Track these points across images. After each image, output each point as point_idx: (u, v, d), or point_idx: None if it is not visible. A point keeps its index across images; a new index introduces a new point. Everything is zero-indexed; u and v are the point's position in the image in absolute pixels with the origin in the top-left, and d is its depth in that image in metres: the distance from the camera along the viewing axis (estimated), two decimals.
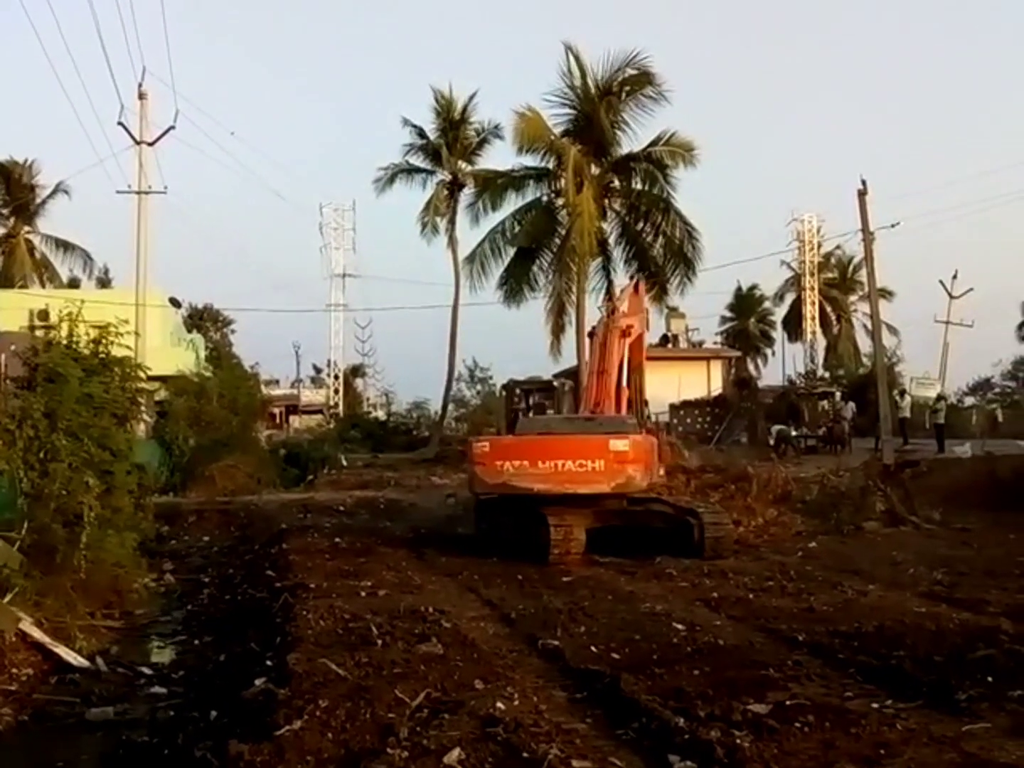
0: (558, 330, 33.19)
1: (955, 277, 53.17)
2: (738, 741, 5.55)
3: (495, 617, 9.96)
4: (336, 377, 64.03)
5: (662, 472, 16.06)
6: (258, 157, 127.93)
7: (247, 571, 14.79)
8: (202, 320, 65.35)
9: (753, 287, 65.93)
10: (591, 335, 17.98)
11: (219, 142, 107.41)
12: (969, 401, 58.62)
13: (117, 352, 14.16)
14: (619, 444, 13.70)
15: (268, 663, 8.27)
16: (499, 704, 6.46)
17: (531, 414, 17.90)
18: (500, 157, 41.18)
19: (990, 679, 6.82)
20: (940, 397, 37.37)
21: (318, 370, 73.08)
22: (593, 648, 8.23)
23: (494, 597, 11.01)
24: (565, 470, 13.74)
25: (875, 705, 6.37)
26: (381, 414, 60.42)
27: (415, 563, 13.80)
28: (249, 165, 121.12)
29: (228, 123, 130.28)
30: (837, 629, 8.70)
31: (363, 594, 11.00)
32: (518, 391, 19.26)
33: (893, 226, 31.83)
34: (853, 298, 63.10)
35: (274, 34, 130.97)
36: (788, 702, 6.34)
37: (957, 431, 33.29)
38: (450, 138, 42.54)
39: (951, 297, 53.12)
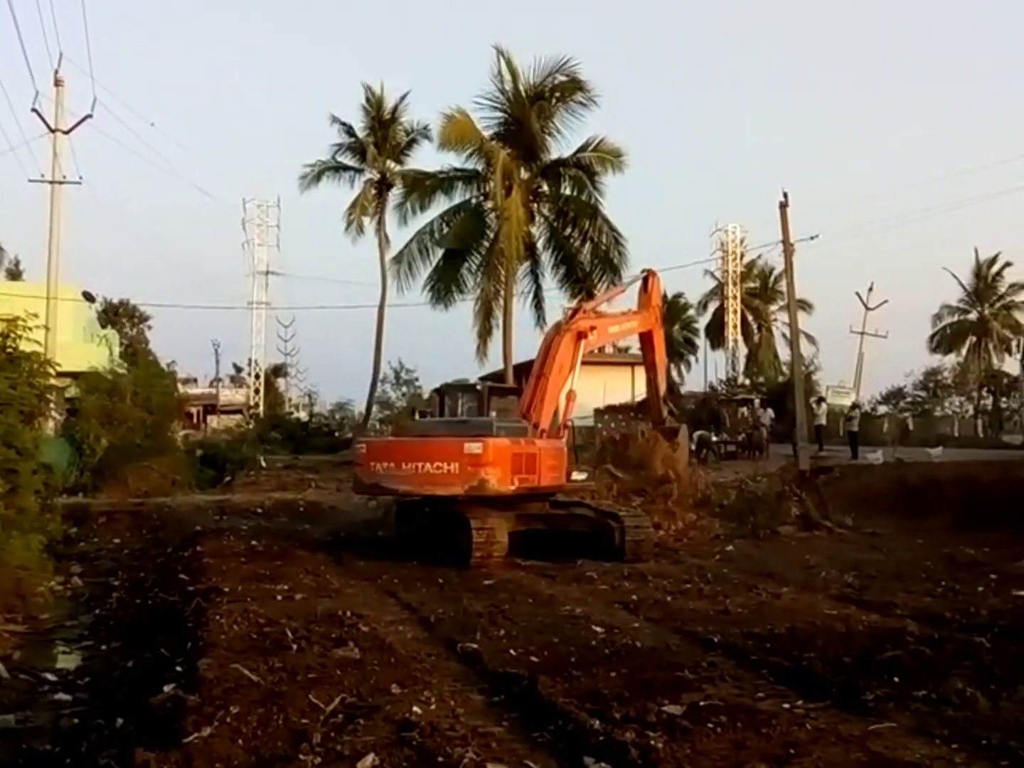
0: (485, 333, 33.17)
1: (871, 289, 54.56)
2: (652, 742, 5.60)
3: (414, 621, 9.89)
4: (257, 376, 63.01)
5: (579, 476, 15.97)
6: (180, 150, 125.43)
7: (159, 574, 14.46)
8: (117, 316, 63.93)
9: (678, 295, 66.57)
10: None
11: (139, 133, 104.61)
12: (882, 410, 60.02)
13: (25, 347, 13.74)
14: (473, 447, 13.69)
15: (178, 669, 8.06)
16: (415, 708, 6.43)
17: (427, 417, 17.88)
18: (430, 158, 41.13)
19: (896, 679, 6.98)
20: (854, 405, 38.27)
21: (238, 369, 71.85)
22: (512, 651, 8.22)
23: (413, 601, 10.94)
24: (424, 472, 13.93)
25: (786, 705, 6.48)
26: (303, 415, 59.61)
27: (334, 567, 13.64)
28: (171, 158, 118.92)
29: (149, 114, 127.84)
30: (751, 631, 8.84)
31: (279, 598, 10.82)
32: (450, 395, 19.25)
33: (813, 238, 32.45)
34: (774, 308, 64.21)
35: (200, 26, 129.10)
36: (702, 703, 6.42)
37: (870, 438, 34.08)
38: (379, 137, 42.31)
39: (867, 309, 54.46)
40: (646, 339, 19.04)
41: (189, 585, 12.20)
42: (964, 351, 61.20)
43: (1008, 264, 57.73)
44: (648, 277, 19.10)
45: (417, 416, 17.03)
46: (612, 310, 18.98)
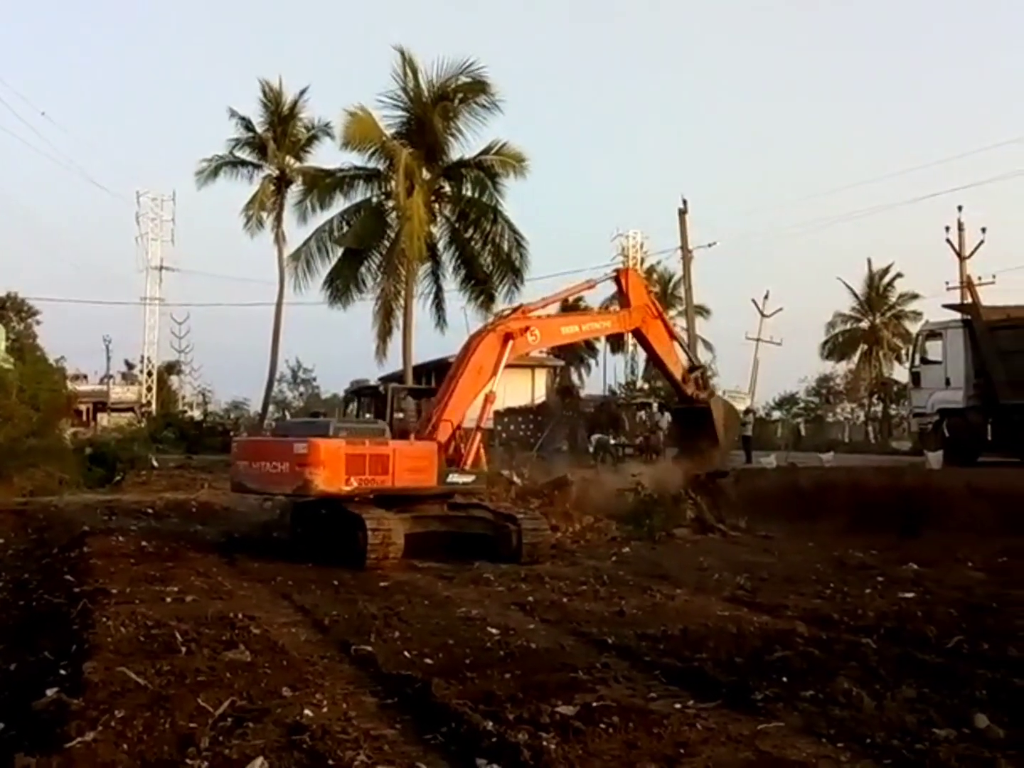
0: (385, 333, 32.98)
1: (766, 297, 55.84)
2: (545, 743, 5.60)
3: (307, 623, 9.74)
4: (149, 374, 61.44)
5: (466, 479, 15.78)
6: (73, 141, 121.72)
7: (44, 576, 13.94)
8: (4, 310, 61.64)
9: (579, 299, 67.15)
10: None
11: (29, 122, 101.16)
12: (776, 415, 61.44)
13: None
14: (300, 447, 13.70)
15: (62, 672, 7.78)
16: (307, 711, 6.34)
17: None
18: (331, 155, 40.64)
19: (785, 680, 7.10)
20: (748, 411, 39.12)
21: (130, 366, 69.77)
22: (406, 653, 8.14)
23: (307, 603, 10.77)
24: (265, 471, 14.15)
25: (677, 705, 6.54)
26: (197, 414, 58.29)
27: (226, 568, 13.35)
28: (62, 149, 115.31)
29: (41, 103, 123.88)
30: (645, 632, 8.91)
31: (169, 600, 10.53)
32: (363, 395, 19.09)
33: (710, 245, 33.18)
34: (672, 313, 64.99)
35: (94, 14, 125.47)
36: (595, 704, 6.43)
37: (764, 443, 34.86)
38: (278, 133, 41.76)
39: (762, 316, 55.72)
40: (640, 337, 18.91)
41: (75, 586, 11.78)
42: (856, 358, 62.98)
43: (899, 275, 59.72)
44: (620, 276, 18.96)
45: (290, 416, 16.92)
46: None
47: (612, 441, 34.36)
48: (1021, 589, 11.36)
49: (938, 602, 10.58)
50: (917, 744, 5.69)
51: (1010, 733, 5.90)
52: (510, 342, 15.97)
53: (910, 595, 11.18)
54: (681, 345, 19.65)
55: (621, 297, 18.67)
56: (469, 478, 15.34)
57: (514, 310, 17.29)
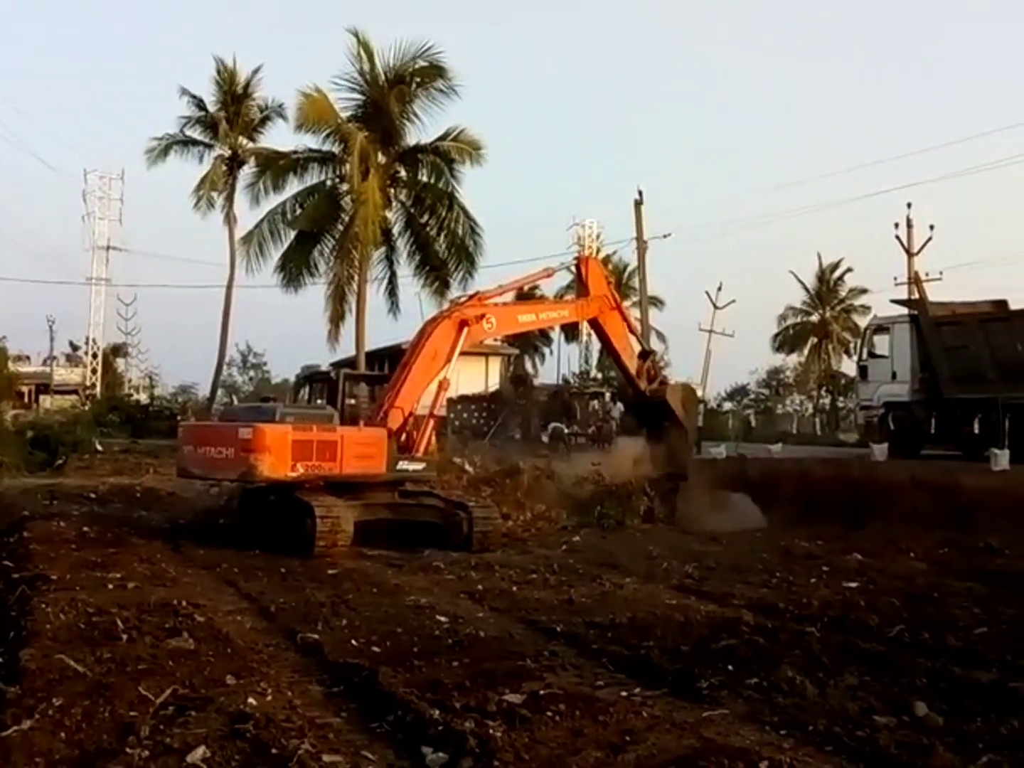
0: (338, 318, 32.72)
1: (720, 289, 56.20)
2: (491, 731, 5.60)
3: (253, 611, 9.66)
4: (95, 356, 60.43)
5: (417, 467, 15.71)
6: (19, 116, 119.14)
7: None
8: None
9: (534, 288, 67.18)
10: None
11: None
12: (727, 406, 62.00)
13: None
14: (245, 433, 13.61)
15: None
16: (251, 700, 6.29)
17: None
18: (285, 137, 40.27)
19: (730, 668, 7.16)
20: (699, 401, 39.34)
21: (75, 347, 68.59)
22: (354, 642, 8.11)
23: (253, 590, 10.68)
24: (209, 456, 14.09)
25: (624, 693, 6.58)
26: (143, 397, 57.36)
27: (171, 555, 13.18)
28: (8, 124, 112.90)
29: None
30: (593, 620, 8.95)
31: (111, 587, 10.37)
32: (315, 381, 18.93)
33: (665, 236, 33.31)
34: (627, 303, 65.18)
35: None
36: (542, 692, 6.44)
37: (714, 434, 35.09)
38: (231, 112, 41.20)
39: (715, 308, 56.10)
40: (596, 327, 18.79)
41: (14, 572, 11.56)
42: (806, 351, 63.75)
43: (849, 270, 60.51)
44: (581, 265, 18.80)
45: (234, 402, 16.77)
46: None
47: (565, 430, 34.41)
48: (961, 580, 11.55)
49: (881, 592, 10.72)
50: (858, 731, 5.76)
51: (948, 721, 5.99)
52: (465, 329, 15.81)
53: (854, 585, 11.32)
54: (634, 333, 19.60)
55: (580, 286, 18.62)
56: (420, 466, 15.22)
57: (470, 297, 17.21)
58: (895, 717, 6.06)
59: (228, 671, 7.00)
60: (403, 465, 14.89)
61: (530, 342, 66.81)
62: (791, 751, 5.45)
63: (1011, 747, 5.49)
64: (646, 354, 19.84)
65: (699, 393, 47.35)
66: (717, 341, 55.73)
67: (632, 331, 19.50)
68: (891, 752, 5.41)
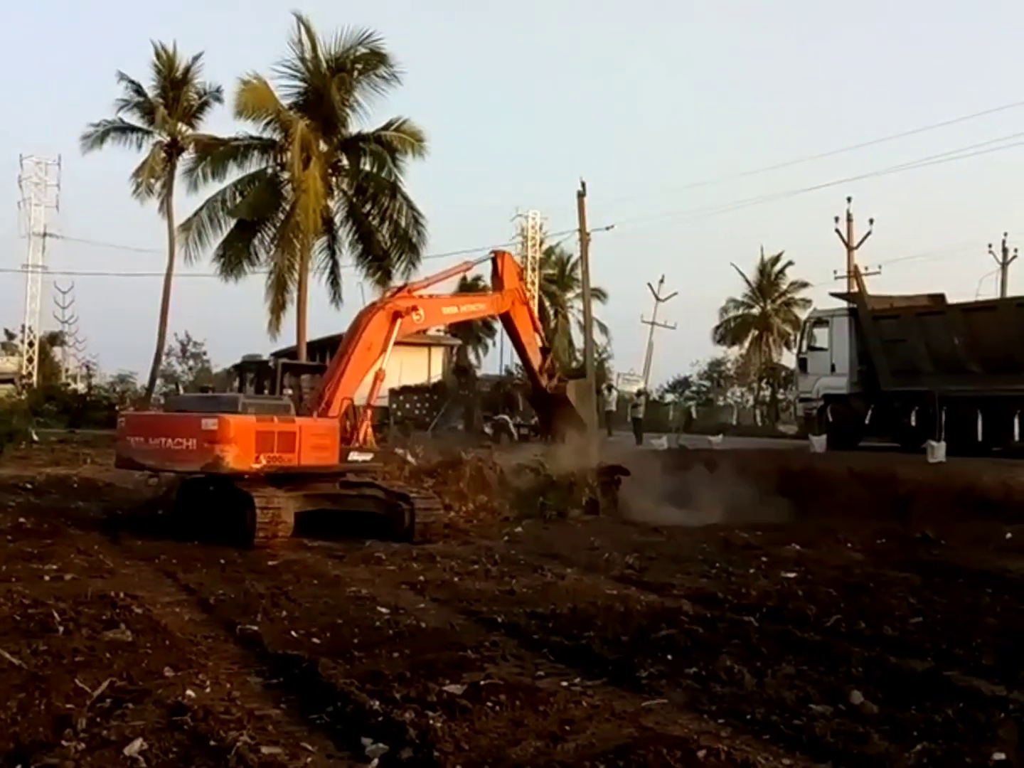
0: (278, 307, 32.46)
1: (662, 281, 56.86)
2: (431, 722, 5.59)
3: (192, 602, 9.56)
4: (31, 344, 59.10)
5: (364, 457, 15.69)
6: None
7: None
8: None
9: (478, 278, 66.99)
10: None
11: None
12: (669, 398, 62.47)
13: None
14: (209, 423, 13.39)
15: None
16: (189, 692, 6.24)
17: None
18: (226, 124, 39.71)
19: (670, 657, 7.21)
20: (640, 392, 39.73)
21: (10, 336, 67.20)
22: (293, 633, 8.06)
23: (192, 582, 10.56)
24: (166, 447, 13.68)
25: (564, 683, 6.61)
26: (81, 387, 56.37)
27: (108, 546, 12.98)
28: None
29: None
30: (534, 611, 8.96)
31: (47, 578, 10.24)
32: (249, 371, 18.69)
33: (608, 228, 33.45)
34: (570, 295, 65.66)
35: None
36: (482, 682, 6.44)
37: (656, 425, 35.35)
38: (170, 98, 40.54)
39: (657, 300, 56.68)
40: (507, 321, 18.93)
41: None
42: (747, 344, 64.44)
43: (790, 263, 61.28)
44: (497, 259, 18.95)
45: (181, 391, 16.46)
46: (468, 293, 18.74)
47: (509, 421, 34.44)
48: (897, 570, 11.74)
49: (818, 582, 10.85)
50: (795, 720, 5.83)
51: (884, 709, 6.08)
52: (398, 320, 15.90)
53: (792, 575, 11.45)
54: (537, 330, 19.87)
55: (495, 279, 18.75)
56: (368, 456, 15.27)
57: (399, 289, 17.22)
58: (831, 706, 6.15)
59: (166, 663, 6.94)
60: (354, 456, 14.91)
61: (473, 333, 66.82)
62: (729, 740, 5.50)
63: (945, 735, 5.58)
64: (547, 350, 20.25)
65: (641, 384, 47.90)
66: (659, 333, 56.45)
67: (536, 327, 19.78)
68: (827, 740, 5.48)
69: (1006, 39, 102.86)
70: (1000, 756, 5.24)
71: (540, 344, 19.80)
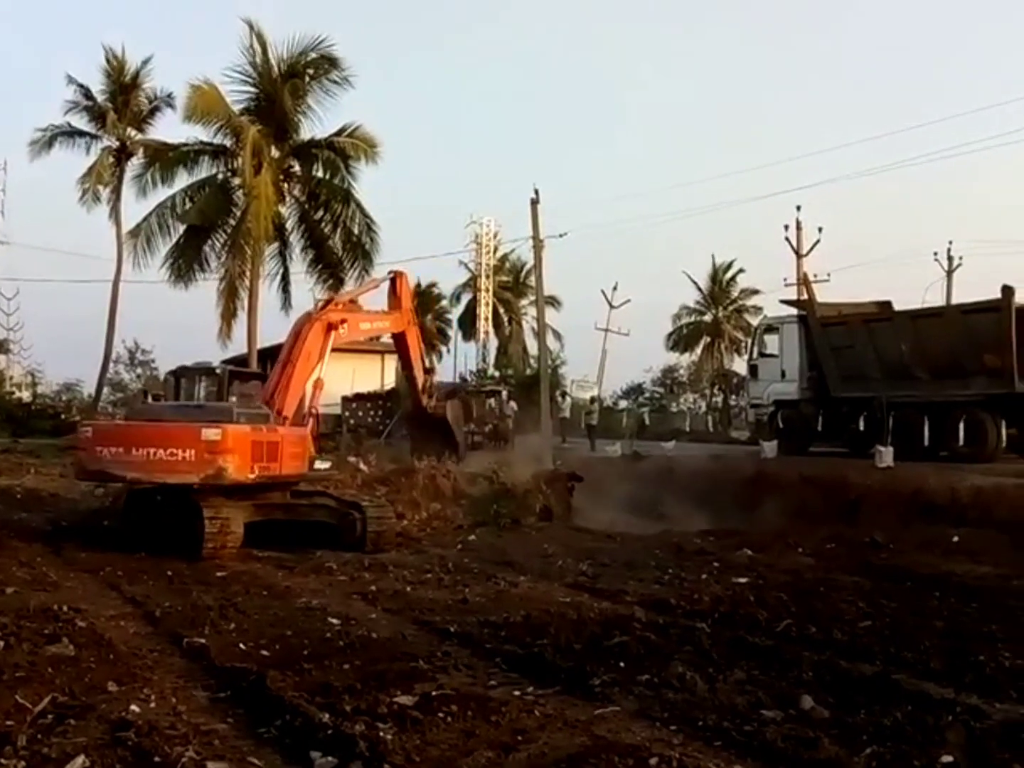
0: (229, 314, 32.09)
1: (615, 288, 57.03)
2: (382, 734, 5.54)
3: (137, 615, 9.43)
4: None
5: (322, 465, 15.70)
6: None
7: None
8: None
9: (432, 285, 67.14)
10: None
11: None
12: (623, 404, 62.70)
13: None
14: (211, 433, 13.19)
15: None
16: (133, 707, 6.14)
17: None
18: (177, 128, 39.24)
19: (623, 664, 7.20)
20: (593, 399, 39.87)
21: None
22: (242, 645, 7.96)
23: (138, 594, 10.40)
24: (157, 459, 13.24)
25: (516, 692, 6.57)
26: (26, 395, 55.40)
27: (52, 558, 12.78)
28: None
29: None
30: (487, 619, 8.92)
31: None
32: (187, 378, 18.39)
33: (561, 235, 33.48)
34: (524, 302, 65.74)
35: None
36: (434, 693, 6.39)
37: (610, 432, 35.48)
38: (119, 103, 40.04)
39: (611, 307, 56.88)
40: (399, 340, 19.07)
41: None
42: (699, 350, 64.86)
43: (741, 271, 61.78)
44: (395, 278, 19.07)
45: (150, 399, 16.10)
46: (369, 308, 18.79)
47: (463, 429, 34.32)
48: (847, 574, 11.86)
49: (770, 587, 10.93)
50: (746, 725, 5.84)
51: (834, 713, 6.11)
52: (332, 332, 16.09)
53: (743, 580, 11.51)
54: (422, 353, 20.40)
55: (392, 298, 18.89)
56: (328, 464, 15.38)
57: (328, 301, 17.29)
58: (782, 711, 6.16)
59: (110, 677, 6.83)
60: (318, 464, 14.99)
61: (427, 340, 66.68)
62: (681, 747, 5.49)
63: (894, 738, 5.61)
64: (430, 371, 20.87)
65: (595, 391, 48.04)
66: (613, 340, 56.58)
67: (422, 349, 20.33)
68: (778, 746, 5.49)
69: (953, 51, 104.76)
70: (948, 758, 5.28)
71: (425, 365, 20.24)
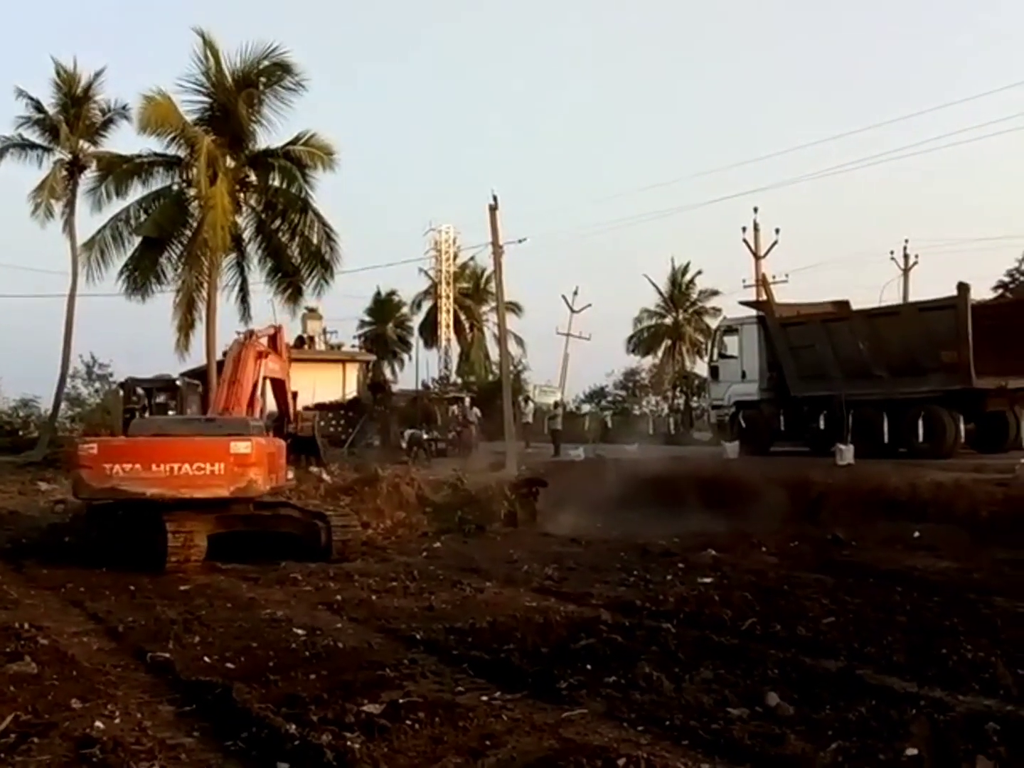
0: (187, 327, 31.75)
1: (576, 293, 57.28)
2: (349, 743, 5.53)
3: (100, 631, 9.35)
4: None
5: (290, 475, 15.85)
6: None
7: None
8: None
9: (392, 292, 67.04)
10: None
11: None
12: (585, 408, 62.82)
13: None
14: (241, 446, 13.29)
15: None
16: (98, 723, 6.10)
17: (148, 414, 17.07)
18: (132, 140, 38.86)
19: (589, 667, 7.22)
20: (556, 404, 39.94)
21: None
22: (207, 659, 7.92)
23: (101, 610, 10.32)
24: (182, 474, 13.14)
25: (484, 698, 6.58)
26: None
27: (12, 576, 12.68)
28: None
29: None
30: (454, 626, 8.92)
31: None
32: (138, 390, 18.25)
33: (521, 241, 33.53)
34: (485, 308, 65.77)
35: None
36: (401, 700, 6.40)
37: (573, 436, 35.59)
38: (71, 115, 39.55)
39: (572, 311, 57.11)
40: (279, 384, 19.14)
41: None
42: (660, 353, 65.14)
43: (699, 272, 62.13)
44: (276, 333, 19.26)
45: (138, 416, 16.03)
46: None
47: (425, 436, 34.32)
48: (810, 572, 11.97)
49: (734, 586, 10.99)
50: (713, 724, 5.88)
51: (799, 710, 6.17)
52: (263, 361, 16.67)
53: (708, 580, 11.59)
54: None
55: (271, 345, 19.00)
56: (291, 474, 15.49)
57: (249, 334, 17.59)
58: (748, 708, 6.21)
59: (73, 695, 6.79)
60: (289, 475, 15.28)
61: (388, 348, 66.52)
62: (648, 747, 5.52)
63: (859, 733, 5.68)
64: (295, 395, 21.17)
65: (557, 396, 48.14)
66: (575, 344, 56.82)
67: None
68: (745, 743, 5.53)
69: (907, 52, 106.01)
70: (912, 752, 5.35)
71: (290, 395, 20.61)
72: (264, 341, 17.60)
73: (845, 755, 5.32)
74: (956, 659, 7.22)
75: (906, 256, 47.30)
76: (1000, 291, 36.58)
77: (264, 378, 16.89)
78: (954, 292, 20.91)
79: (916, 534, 14.69)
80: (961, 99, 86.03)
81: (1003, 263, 39.35)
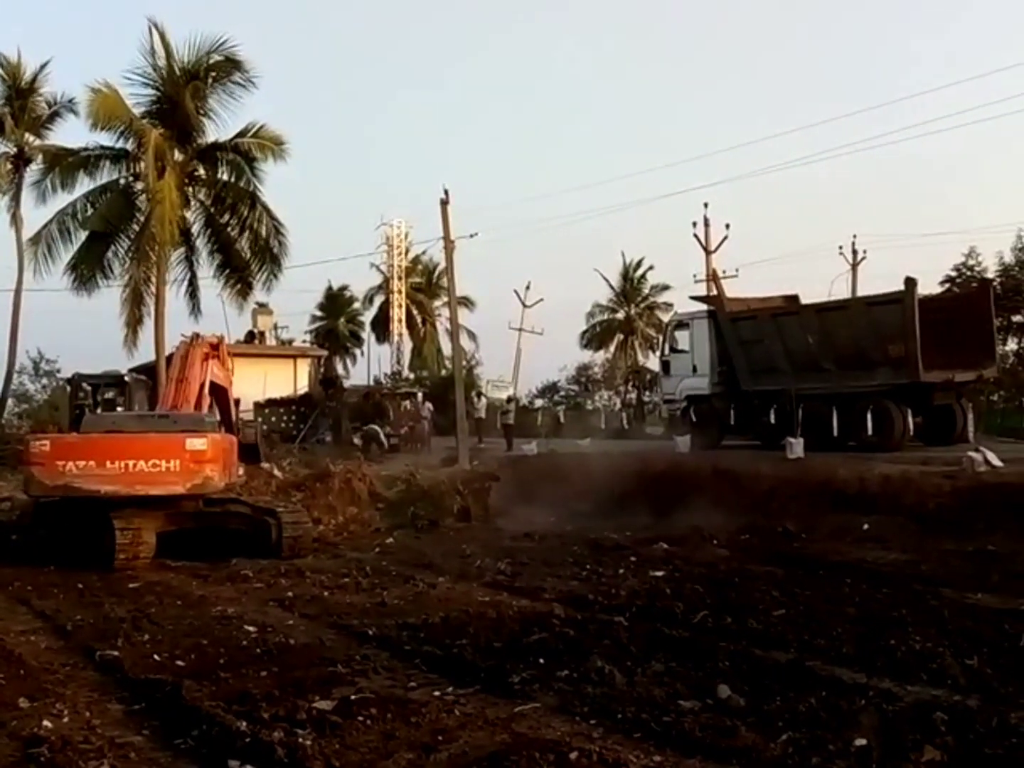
0: (135, 321, 31.28)
1: (528, 288, 57.34)
2: (300, 740, 5.52)
3: (48, 630, 9.26)
4: None
5: (241, 472, 15.71)
6: None
7: None
8: None
9: (344, 287, 66.60)
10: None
11: None
12: (538, 403, 62.89)
13: None
14: (197, 443, 13.21)
15: None
16: (45, 722, 6.05)
17: (99, 410, 16.81)
18: (79, 133, 38.19)
19: (542, 661, 7.26)
20: (509, 399, 39.96)
21: None
22: (156, 657, 7.85)
23: (48, 608, 10.20)
24: (137, 470, 13.02)
25: (436, 693, 6.59)
26: None
27: None
28: None
29: None
30: (406, 621, 8.93)
31: None
32: (85, 386, 17.95)
33: (472, 236, 33.50)
34: (438, 303, 65.55)
35: None
36: (353, 696, 6.39)
37: (526, 430, 35.58)
38: (16, 108, 38.85)
39: (524, 306, 57.18)
40: (222, 393, 18.98)
41: None
42: (613, 348, 65.36)
43: (651, 267, 62.39)
44: (219, 343, 19.14)
45: (89, 412, 15.74)
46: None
47: (379, 431, 34.15)
48: (761, 564, 12.10)
49: (686, 579, 11.09)
50: (664, 717, 5.92)
51: (750, 702, 6.23)
52: (209, 363, 16.48)
53: (660, 573, 11.67)
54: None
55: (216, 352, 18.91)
56: (241, 470, 15.34)
57: (193, 337, 17.24)
58: (700, 701, 6.27)
59: (21, 694, 6.75)
60: (239, 471, 15.17)
61: (340, 343, 66.11)
62: (600, 740, 5.55)
63: (809, 724, 5.75)
64: (237, 402, 20.89)
65: (510, 391, 48.22)
66: (527, 339, 56.89)
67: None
68: (696, 735, 5.59)
69: (855, 48, 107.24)
70: (862, 741, 5.43)
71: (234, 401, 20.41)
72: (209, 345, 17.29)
73: (795, 746, 5.38)
74: (904, 650, 7.33)
75: (855, 251, 47.84)
76: (947, 285, 37.08)
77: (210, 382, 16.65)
78: (902, 287, 21.17)
79: (865, 526, 14.88)
80: (908, 96, 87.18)
81: (950, 258, 39.87)
